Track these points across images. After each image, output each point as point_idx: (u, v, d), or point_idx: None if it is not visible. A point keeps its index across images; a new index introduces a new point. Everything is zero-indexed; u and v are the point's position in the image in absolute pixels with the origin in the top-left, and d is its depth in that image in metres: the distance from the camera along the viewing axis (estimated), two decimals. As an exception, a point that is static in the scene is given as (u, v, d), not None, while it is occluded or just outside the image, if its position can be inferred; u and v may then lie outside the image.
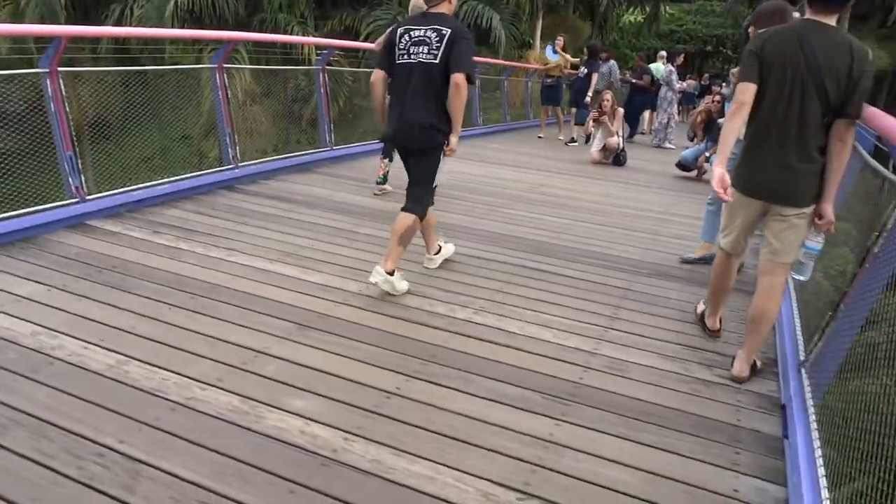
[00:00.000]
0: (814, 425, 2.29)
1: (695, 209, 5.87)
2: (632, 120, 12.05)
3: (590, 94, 10.56)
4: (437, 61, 3.35)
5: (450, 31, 3.34)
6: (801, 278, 2.86)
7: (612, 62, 11.52)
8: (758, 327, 2.82)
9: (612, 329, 3.24)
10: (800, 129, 2.56)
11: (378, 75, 3.53)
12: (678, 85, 11.53)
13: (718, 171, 2.61)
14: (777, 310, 2.91)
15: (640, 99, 12.18)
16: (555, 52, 11.09)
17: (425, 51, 3.37)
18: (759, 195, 2.74)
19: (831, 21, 2.53)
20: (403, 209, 3.55)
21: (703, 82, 14.83)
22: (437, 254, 3.95)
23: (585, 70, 10.79)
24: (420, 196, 3.57)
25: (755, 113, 2.66)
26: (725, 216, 2.96)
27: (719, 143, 2.76)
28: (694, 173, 8.12)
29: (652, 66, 13.74)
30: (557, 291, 3.69)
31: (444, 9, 3.46)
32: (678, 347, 3.08)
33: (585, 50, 11.43)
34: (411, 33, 3.41)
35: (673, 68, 11.51)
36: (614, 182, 7.56)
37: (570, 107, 11.47)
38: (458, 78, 3.30)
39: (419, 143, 3.47)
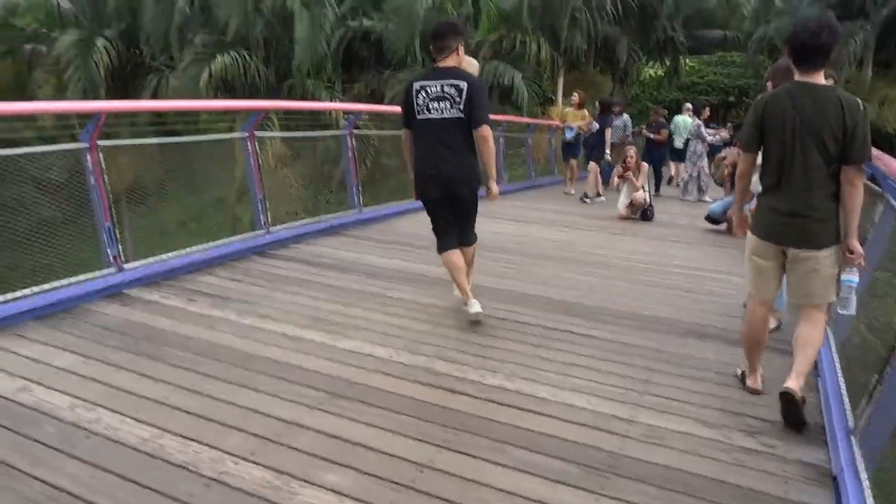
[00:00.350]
0: (870, 500, 2.19)
1: (727, 264, 5.80)
2: (654, 175, 12.03)
3: (607, 151, 10.55)
4: (462, 115, 3.53)
5: (467, 84, 3.53)
6: (847, 312, 2.98)
7: (626, 116, 11.64)
8: (804, 350, 2.96)
9: (648, 394, 3.17)
10: (805, 181, 2.81)
11: (405, 134, 3.86)
12: (709, 138, 11.50)
13: (737, 218, 3.27)
14: (821, 336, 3.07)
15: (658, 154, 12.12)
16: (571, 129, 11.07)
17: (448, 106, 3.53)
18: (774, 240, 2.96)
19: (818, 79, 2.80)
20: (462, 244, 3.98)
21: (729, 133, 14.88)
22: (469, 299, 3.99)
23: (598, 125, 10.72)
24: (471, 231, 4.02)
25: (765, 168, 2.96)
26: (749, 264, 3.11)
27: (734, 201, 3.31)
28: (723, 226, 8.05)
29: (678, 118, 13.86)
30: (589, 354, 3.64)
31: (453, 62, 3.63)
32: (718, 413, 3.00)
33: (597, 105, 11.44)
34: (428, 90, 3.54)
35: (700, 122, 11.55)
36: (643, 238, 7.53)
37: (585, 162, 11.32)
38: (484, 131, 3.56)
39: (462, 192, 3.76)
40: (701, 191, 11.53)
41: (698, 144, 11.39)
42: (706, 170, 11.42)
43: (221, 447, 2.49)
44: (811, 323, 2.97)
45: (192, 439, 2.54)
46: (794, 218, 2.85)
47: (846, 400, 2.98)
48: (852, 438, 2.64)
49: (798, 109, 2.76)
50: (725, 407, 3.06)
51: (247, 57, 14.64)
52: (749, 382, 3.26)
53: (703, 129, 11.48)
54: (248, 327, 3.78)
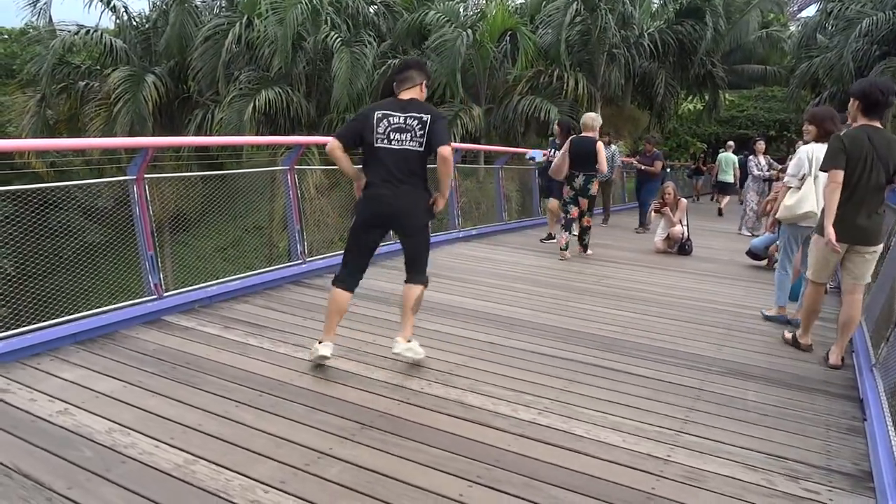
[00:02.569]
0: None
1: (769, 301, 5.64)
2: (642, 208, 11.42)
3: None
4: (422, 149, 3.55)
5: (429, 116, 3.55)
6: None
7: (614, 147, 11.30)
8: (847, 330, 4.11)
9: (686, 433, 3.07)
10: (874, 194, 3.89)
11: (334, 144, 3.62)
12: (756, 172, 11.16)
13: (831, 231, 3.81)
14: (859, 316, 4.18)
15: (651, 186, 11.30)
16: (543, 155, 9.84)
17: (408, 138, 3.54)
18: (846, 240, 3.90)
19: (879, 124, 3.91)
20: (408, 282, 3.84)
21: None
22: (409, 342, 3.76)
23: (557, 153, 8.21)
24: (424, 267, 3.86)
25: (843, 186, 3.86)
26: (819, 258, 4.12)
27: (826, 211, 3.90)
28: (765, 262, 7.87)
29: (722, 154, 13.79)
30: (626, 391, 3.56)
31: (415, 94, 3.66)
32: (760, 456, 2.88)
33: (555, 128, 9.35)
34: (390, 119, 3.55)
35: (753, 156, 11.29)
36: (681, 272, 7.39)
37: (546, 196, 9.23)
38: (444, 151, 3.51)
39: (413, 223, 3.72)
40: (745, 225, 11.31)
41: (750, 179, 11.19)
42: (752, 204, 11.14)
43: (252, 475, 2.50)
44: (854, 304, 4.04)
45: (224, 466, 2.55)
46: (863, 221, 3.88)
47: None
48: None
49: (874, 145, 3.82)
50: (768, 450, 2.95)
51: (289, 92, 15.04)
52: (803, 342, 4.40)
53: (752, 163, 11.20)
54: (282, 356, 3.81)
